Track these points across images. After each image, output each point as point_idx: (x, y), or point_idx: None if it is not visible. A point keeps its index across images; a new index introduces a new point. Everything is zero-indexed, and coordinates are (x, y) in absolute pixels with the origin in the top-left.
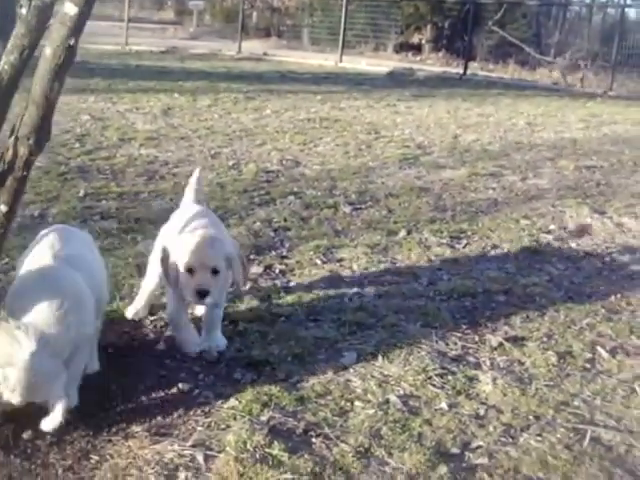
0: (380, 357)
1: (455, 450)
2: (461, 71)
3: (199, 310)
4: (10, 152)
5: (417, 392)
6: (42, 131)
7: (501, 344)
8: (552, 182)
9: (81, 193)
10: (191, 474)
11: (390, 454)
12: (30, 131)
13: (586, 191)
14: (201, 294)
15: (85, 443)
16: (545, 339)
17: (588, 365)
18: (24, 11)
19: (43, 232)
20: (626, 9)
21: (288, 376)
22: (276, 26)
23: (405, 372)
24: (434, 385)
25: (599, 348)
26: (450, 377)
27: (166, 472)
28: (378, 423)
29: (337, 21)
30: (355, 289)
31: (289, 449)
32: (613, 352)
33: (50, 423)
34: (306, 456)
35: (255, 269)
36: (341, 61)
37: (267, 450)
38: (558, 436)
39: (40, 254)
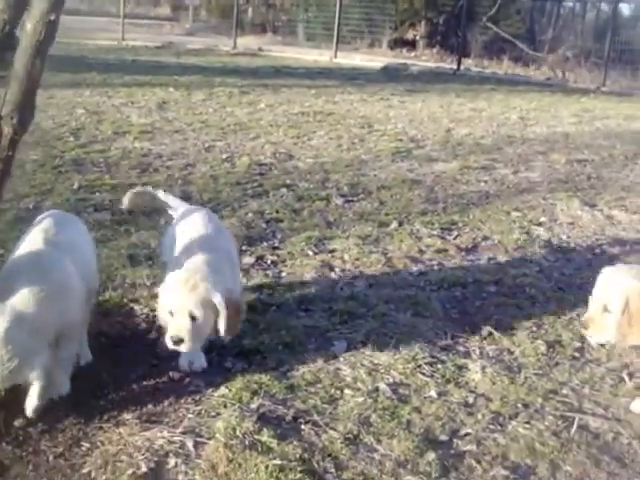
0: (370, 346)
1: (444, 437)
2: (455, 67)
3: None
4: None
5: (407, 380)
6: (26, 109)
7: (491, 333)
8: (543, 175)
9: (75, 185)
10: (181, 460)
11: (379, 441)
12: (13, 109)
13: (577, 184)
14: (174, 342)
15: (76, 431)
16: (535, 329)
17: (577, 354)
18: None
19: (40, 216)
20: (619, 5)
21: (278, 365)
22: (271, 22)
23: (395, 361)
24: (424, 373)
25: (588, 338)
26: (440, 366)
27: (156, 458)
28: (367, 410)
29: (332, 17)
30: (346, 279)
31: (278, 436)
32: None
33: (29, 405)
34: (295, 442)
35: (247, 260)
36: (336, 56)
37: (256, 437)
38: (546, 424)
39: (33, 238)
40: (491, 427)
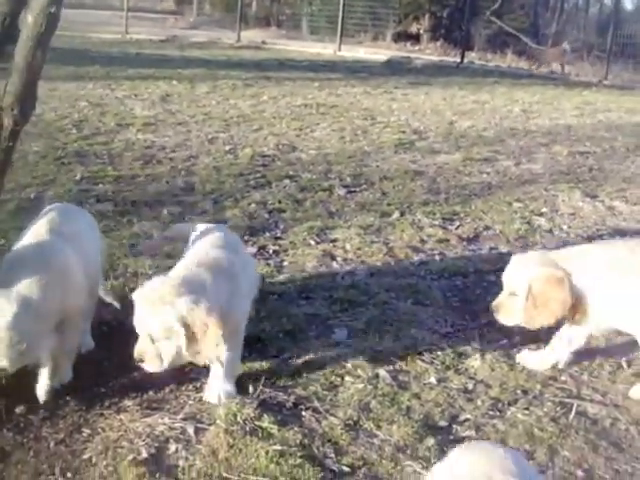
0: (371, 333)
1: (443, 423)
2: (458, 60)
3: None
4: None
5: (406, 367)
6: (27, 101)
7: (490, 322)
8: (545, 167)
9: (78, 177)
10: (181, 446)
11: (379, 427)
12: (14, 101)
13: (579, 176)
14: (137, 361)
15: (77, 417)
16: None
17: None
18: None
19: (47, 209)
20: None
21: (279, 352)
22: (275, 15)
23: (395, 348)
24: (423, 360)
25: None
26: (439, 353)
27: (157, 444)
28: (367, 397)
29: (336, 10)
30: (347, 268)
31: (279, 422)
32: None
33: (41, 390)
34: (295, 428)
35: (249, 249)
36: (339, 50)
37: (257, 423)
38: (545, 410)
39: (37, 228)
40: (490, 413)
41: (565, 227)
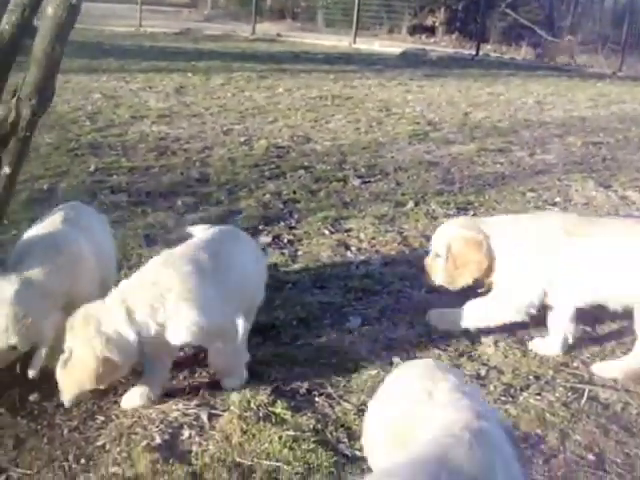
0: (385, 321)
1: None
2: (474, 52)
3: None
4: (13, 113)
5: (420, 354)
6: (45, 91)
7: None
8: (559, 157)
9: (91, 168)
10: (195, 432)
11: None
12: (32, 91)
13: (592, 166)
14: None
15: (91, 404)
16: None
17: (588, 329)
18: None
19: (59, 206)
20: None
21: (293, 339)
22: (290, 8)
23: (409, 335)
24: (437, 347)
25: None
26: (453, 340)
27: (170, 430)
28: (381, 383)
29: (351, 3)
30: (362, 257)
31: (292, 408)
32: (613, 316)
33: (33, 367)
34: (309, 414)
35: (264, 239)
36: (355, 42)
37: (271, 409)
38: (557, 395)
39: (52, 218)
40: (503, 398)
41: None
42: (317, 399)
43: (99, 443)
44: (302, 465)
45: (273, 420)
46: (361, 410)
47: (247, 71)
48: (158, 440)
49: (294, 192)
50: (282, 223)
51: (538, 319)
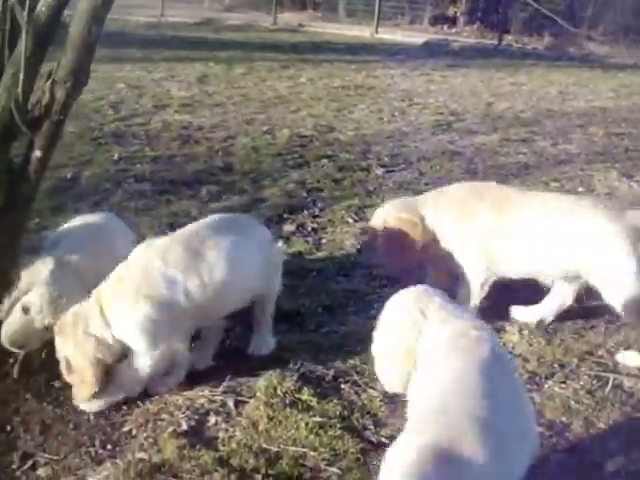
0: None
1: None
2: (495, 42)
3: None
4: (47, 96)
5: None
6: (80, 74)
7: (527, 298)
8: (581, 148)
9: (115, 157)
10: (221, 418)
11: None
12: (67, 74)
13: (614, 156)
14: None
15: None
16: None
17: (612, 318)
18: None
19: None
20: None
21: (318, 327)
22: None
23: None
24: None
25: None
26: None
27: (197, 416)
28: None
29: None
30: None
31: (318, 394)
32: None
33: None
34: (335, 401)
35: (288, 227)
36: (377, 32)
37: (297, 395)
38: (581, 383)
39: (91, 215)
40: (527, 386)
41: (602, 206)
42: (343, 386)
43: (125, 429)
44: (328, 451)
45: (299, 407)
46: (387, 397)
47: (269, 61)
48: (184, 426)
49: (318, 181)
50: (306, 212)
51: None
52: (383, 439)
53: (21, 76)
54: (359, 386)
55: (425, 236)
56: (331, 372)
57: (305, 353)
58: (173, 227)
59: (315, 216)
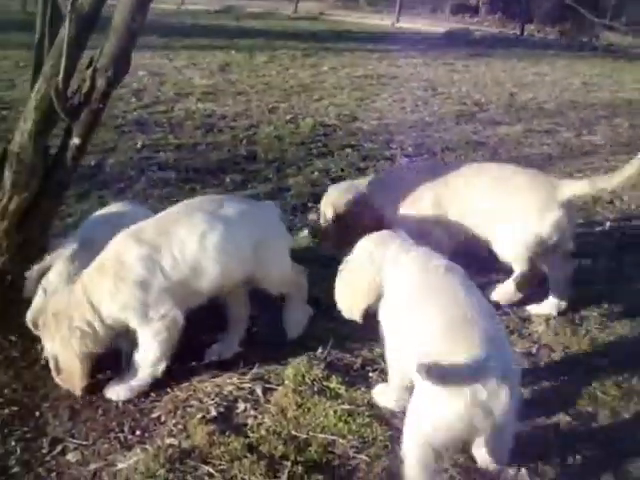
0: None
1: None
2: (517, 32)
3: None
4: (87, 84)
5: None
6: (121, 62)
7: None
8: (606, 139)
9: (139, 145)
10: (250, 405)
11: None
12: (109, 62)
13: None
14: None
15: None
16: (597, 285)
17: (637, 310)
18: None
19: None
20: None
21: None
22: None
23: None
24: None
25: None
26: (504, 317)
27: (225, 403)
28: None
29: None
30: None
31: (346, 382)
32: None
33: None
34: (363, 389)
35: (312, 216)
36: (398, 21)
37: (325, 383)
38: (607, 373)
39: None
40: (554, 377)
41: (626, 198)
42: (371, 374)
43: (154, 415)
44: (357, 439)
45: (327, 394)
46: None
47: (291, 49)
48: (213, 413)
49: (342, 170)
50: None
51: (589, 298)
52: None
53: (63, 63)
54: (387, 374)
55: (370, 214)
56: (359, 360)
57: (333, 342)
58: None
59: None
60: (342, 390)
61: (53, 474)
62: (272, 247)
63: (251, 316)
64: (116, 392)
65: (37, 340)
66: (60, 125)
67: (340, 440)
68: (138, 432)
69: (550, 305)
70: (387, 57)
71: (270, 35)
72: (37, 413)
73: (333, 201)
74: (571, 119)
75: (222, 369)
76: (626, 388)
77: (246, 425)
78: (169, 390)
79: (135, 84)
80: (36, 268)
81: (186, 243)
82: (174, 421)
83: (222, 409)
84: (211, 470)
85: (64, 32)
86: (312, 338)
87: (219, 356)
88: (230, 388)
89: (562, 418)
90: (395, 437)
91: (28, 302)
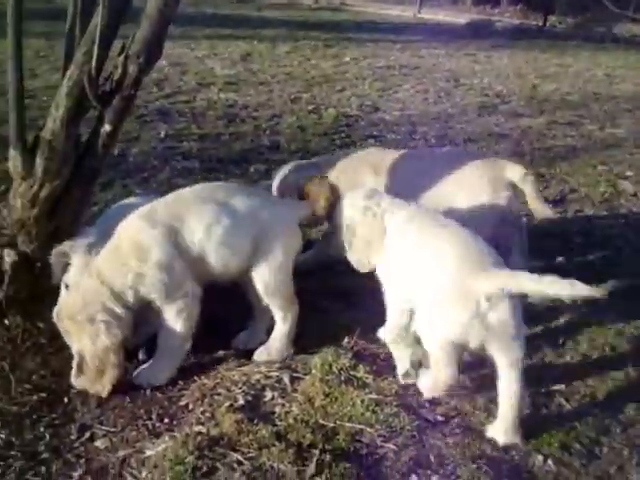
0: None
1: (533, 376)
2: (539, 23)
3: None
4: (119, 70)
5: None
6: (154, 49)
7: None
8: (629, 131)
9: (162, 134)
10: (277, 394)
11: (472, 379)
12: (141, 48)
13: None
14: None
15: None
16: (622, 278)
17: None
18: None
19: None
20: None
21: (372, 305)
22: None
23: None
24: None
25: None
26: (530, 308)
27: (253, 392)
28: None
29: None
30: None
31: (374, 372)
32: None
33: None
34: (390, 379)
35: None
36: (419, 12)
37: (352, 373)
38: (633, 366)
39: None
40: (579, 367)
41: None
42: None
43: (182, 403)
44: (384, 428)
45: (355, 384)
46: None
47: (312, 39)
48: (241, 401)
49: None
50: None
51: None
52: (439, 417)
53: (95, 50)
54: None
55: (331, 192)
56: (385, 350)
57: (360, 331)
58: None
59: None
60: (369, 379)
61: (82, 460)
62: (270, 246)
63: None
64: (146, 378)
65: None
66: (92, 112)
67: (367, 429)
68: (166, 420)
69: None
70: (409, 48)
71: (292, 25)
72: (65, 400)
73: (292, 180)
74: (594, 111)
75: (249, 358)
76: None
77: (274, 413)
78: (196, 378)
79: (156, 74)
80: (54, 252)
81: (195, 227)
82: (202, 409)
83: (250, 397)
84: (240, 457)
85: (97, 19)
86: (339, 328)
87: (245, 345)
88: (257, 377)
89: (589, 410)
90: (422, 427)
91: (57, 289)
